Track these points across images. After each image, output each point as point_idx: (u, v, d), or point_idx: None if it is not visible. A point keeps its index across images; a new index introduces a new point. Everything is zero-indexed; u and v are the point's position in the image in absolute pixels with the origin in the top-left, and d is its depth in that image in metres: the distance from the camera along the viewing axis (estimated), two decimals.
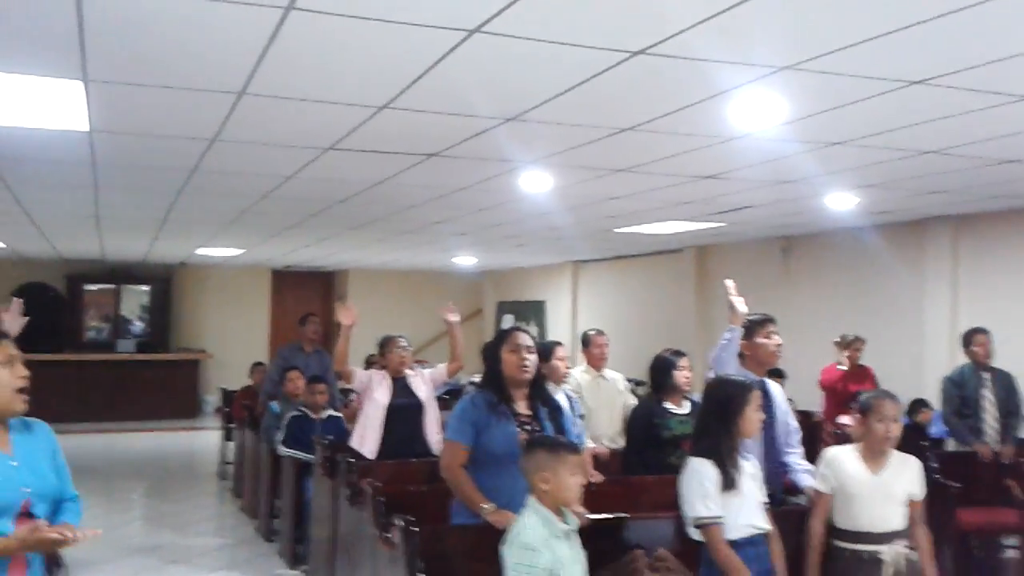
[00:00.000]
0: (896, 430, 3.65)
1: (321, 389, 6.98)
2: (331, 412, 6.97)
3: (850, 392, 7.67)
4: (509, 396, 3.93)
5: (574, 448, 3.16)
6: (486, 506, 3.64)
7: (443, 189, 7.39)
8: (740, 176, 6.68)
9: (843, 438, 6.59)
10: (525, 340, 3.96)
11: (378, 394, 5.85)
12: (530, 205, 8.24)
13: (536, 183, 7.06)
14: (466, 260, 15.33)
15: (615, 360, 7.00)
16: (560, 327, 15.52)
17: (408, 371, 6.09)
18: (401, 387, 5.97)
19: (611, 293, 14.75)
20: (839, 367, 8.24)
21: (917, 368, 8.49)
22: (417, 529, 3.60)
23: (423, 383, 6.09)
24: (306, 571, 6.26)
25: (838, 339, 8.31)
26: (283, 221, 9.67)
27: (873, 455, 3.62)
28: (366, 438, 5.77)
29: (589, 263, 15.38)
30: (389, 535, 3.88)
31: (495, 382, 3.95)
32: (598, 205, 8.31)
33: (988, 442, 6.40)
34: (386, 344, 6.09)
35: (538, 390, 4.03)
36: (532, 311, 16.57)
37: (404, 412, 5.85)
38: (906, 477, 3.64)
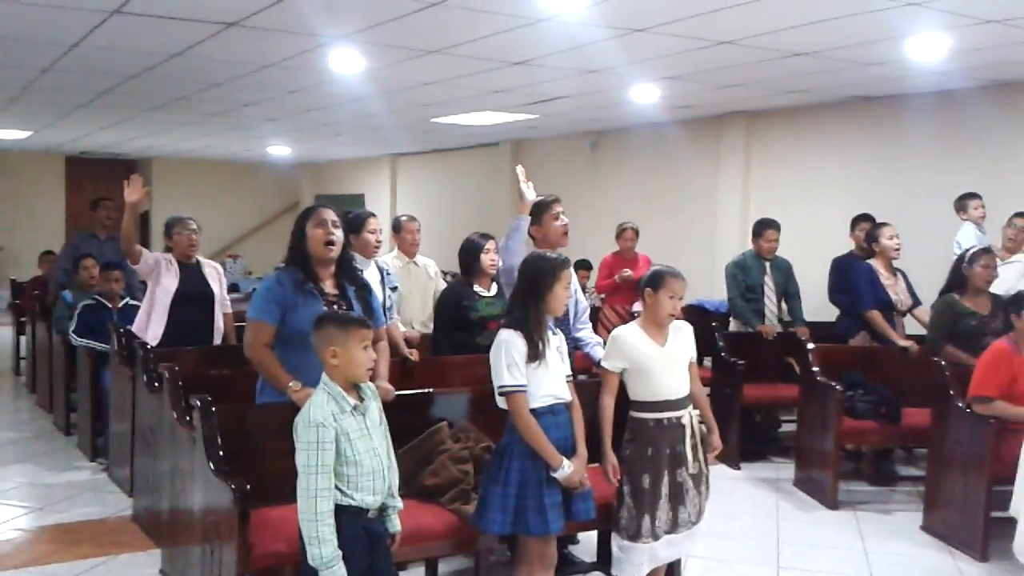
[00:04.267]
0: (680, 306, 3.86)
1: (116, 276, 6.62)
2: (128, 300, 6.64)
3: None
4: (315, 275, 3.84)
5: (363, 323, 3.13)
6: (292, 384, 3.60)
7: (247, 66, 7.03)
8: (548, 64, 6.73)
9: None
10: (331, 216, 3.87)
11: (166, 279, 5.56)
12: (342, 88, 8.00)
13: (347, 63, 6.84)
14: (281, 150, 14.79)
15: (435, 253, 7.03)
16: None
17: (202, 259, 5.86)
18: (193, 274, 5.72)
19: (430, 186, 14.70)
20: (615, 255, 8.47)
21: (710, 254, 9.03)
22: (215, 409, 3.53)
23: (216, 276, 5.89)
24: (105, 463, 6.05)
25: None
26: (72, 99, 8.94)
27: (656, 328, 3.82)
28: (150, 324, 5.51)
29: (408, 156, 15.21)
30: (188, 418, 3.79)
31: (301, 260, 3.85)
32: (412, 91, 8.18)
33: (768, 324, 6.91)
34: (173, 225, 5.77)
35: (345, 268, 3.96)
36: (351, 204, 16.26)
37: (193, 300, 5.62)
38: (684, 343, 3.87)
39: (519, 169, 4.48)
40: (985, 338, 5.13)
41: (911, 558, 4.77)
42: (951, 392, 4.97)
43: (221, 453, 3.44)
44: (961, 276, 5.56)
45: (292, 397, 3.54)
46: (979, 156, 7.44)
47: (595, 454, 3.74)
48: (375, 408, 3.11)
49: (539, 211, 4.46)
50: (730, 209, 9.41)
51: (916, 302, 6.39)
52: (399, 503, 3.15)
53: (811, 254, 7.57)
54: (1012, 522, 4.09)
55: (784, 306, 7.07)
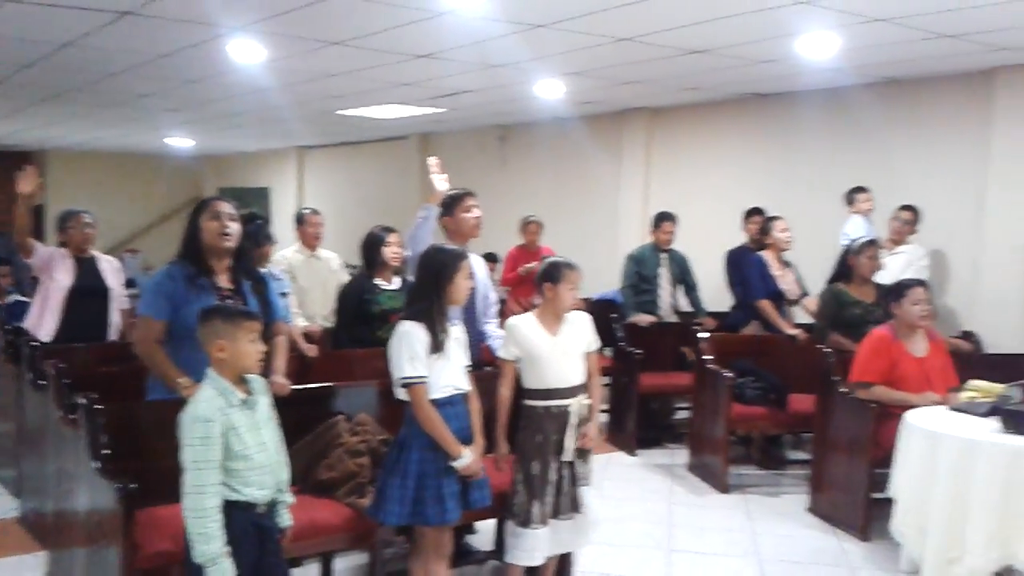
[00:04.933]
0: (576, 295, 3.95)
1: (3, 272, 6.41)
2: (17, 297, 6.43)
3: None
4: (209, 268, 3.76)
5: (251, 315, 3.09)
6: (182, 380, 3.53)
7: (143, 55, 6.85)
8: (453, 57, 6.75)
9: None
10: (227, 208, 3.79)
11: (59, 274, 5.41)
12: (244, 79, 7.86)
13: (247, 53, 6.73)
14: (182, 142, 14.40)
15: (343, 247, 6.98)
16: (285, 215, 15.14)
17: (97, 253, 5.72)
18: (88, 269, 5.57)
19: (338, 180, 14.56)
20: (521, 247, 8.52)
21: (613, 247, 9.19)
22: (101, 407, 3.45)
23: (112, 271, 5.75)
24: None
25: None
26: None
27: (552, 319, 3.89)
28: (43, 320, 5.36)
29: (315, 149, 15.03)
30: (73, 417, 3.69)
31: (194, 253, 3.77)
32: (316, 83, 8.09)
33: (662, 314, 7.11)
34: (67, 219, 5.62)
35: (241, 262, 3.89)
36: (256, 198, 15.99)
37: (88, 296, 5.48)
38: (580, 334, 3.95)
39: (432, 160, 4.49)
40: (869, 326, 5.30)
41: (798, 539, 4.96)
42: (835, 378, 5.18)
43: (107, 452, 3.37)
44: (847, 266, 5.78)
45: (182, 394, 3.48)
46: (867, 151, 7.72)
47: (492, 443, 3.79)
48: (264, 402, 3.09)
49: (452, 203, 4.47)
50: (632, 203, 9.60)
51: (804, 292, 6.63)
52: (290, 498, 3.14)
53: (709, 246, 7.77)
54: (891, 502, 4.29)
55: (680, 297, 7.27)
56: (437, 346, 3.47)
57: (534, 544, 3.78)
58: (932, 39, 5.90)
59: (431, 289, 3.55)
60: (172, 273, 3.75)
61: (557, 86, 7.96)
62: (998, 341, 6.34)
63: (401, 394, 3.50)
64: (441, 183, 4.41)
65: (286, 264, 6.17)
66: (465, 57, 6.77)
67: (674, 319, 7.20)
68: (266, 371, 3.77)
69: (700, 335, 6.13)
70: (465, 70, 7.30)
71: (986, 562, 3.83)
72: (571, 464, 3.84)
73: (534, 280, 4.10)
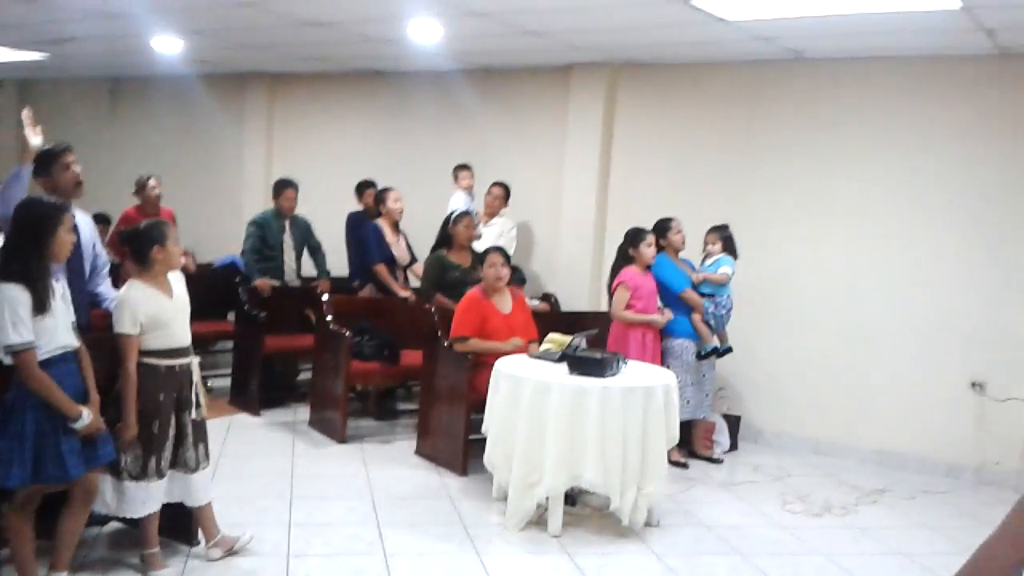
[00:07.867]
0: None
1: None
2: None
3: None
4: None
5: None
6: None
7: None
8: (60, 4, 6.35)
9: None
10: None
11: None
12: None
13: None
14: None
15: None
16: None
17: None
18: None
19: None
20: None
21: (237, 211, 9.17)
22: None
23: None
24: None
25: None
26: None
27: (163, 280, 3.93)
28: None
29: None
30: None
31: None
32: None
33: (287, 279, 7.27)
34: None
35: None
36: None
37: None
38: (184, 291, 4.04)
39: (25, 112, 4.20)
40: (467, 287, 6.02)
41: (406, 478, 5.53)
42: (439, 334, 5.82)
43: None
44: (448, 235, 6.47)
45: None
46: (468, 132, 8.42)
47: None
48: None
49: (48, 161, 4.22)
50: (255, 168, 9.62)
51: (414, 259, 7.24)
52: None
53: (332, 214, 8.09)
54: (484, 442, 4.96)
55: (304, 263, 7.51)
56: (42, 306, 3.38)
57: (146, 496, 3.87)
58: (519, 35, 6.54)
59: (29, 245, 3.42)
60: None
61: (175, 42, 7.76)
62: (571, 301, 7.42)
63: (7, 360, 3.40)
64: (34, 138, 4.11)
65: None
66: (76, 5, 6.38)
67: (298, 284, 7.43)
68: None
69: (323, 297, 6.47)
70: (74, 17, 6.86)
71: (558, 483, 4.59)
72: (195, 423, 4.00)
73: (130, 250, 4.03)
